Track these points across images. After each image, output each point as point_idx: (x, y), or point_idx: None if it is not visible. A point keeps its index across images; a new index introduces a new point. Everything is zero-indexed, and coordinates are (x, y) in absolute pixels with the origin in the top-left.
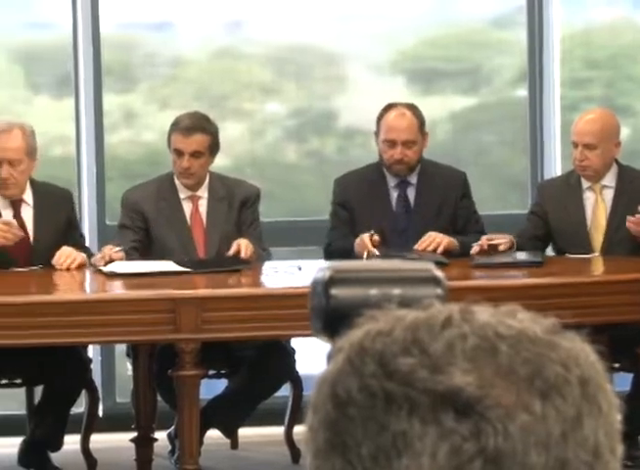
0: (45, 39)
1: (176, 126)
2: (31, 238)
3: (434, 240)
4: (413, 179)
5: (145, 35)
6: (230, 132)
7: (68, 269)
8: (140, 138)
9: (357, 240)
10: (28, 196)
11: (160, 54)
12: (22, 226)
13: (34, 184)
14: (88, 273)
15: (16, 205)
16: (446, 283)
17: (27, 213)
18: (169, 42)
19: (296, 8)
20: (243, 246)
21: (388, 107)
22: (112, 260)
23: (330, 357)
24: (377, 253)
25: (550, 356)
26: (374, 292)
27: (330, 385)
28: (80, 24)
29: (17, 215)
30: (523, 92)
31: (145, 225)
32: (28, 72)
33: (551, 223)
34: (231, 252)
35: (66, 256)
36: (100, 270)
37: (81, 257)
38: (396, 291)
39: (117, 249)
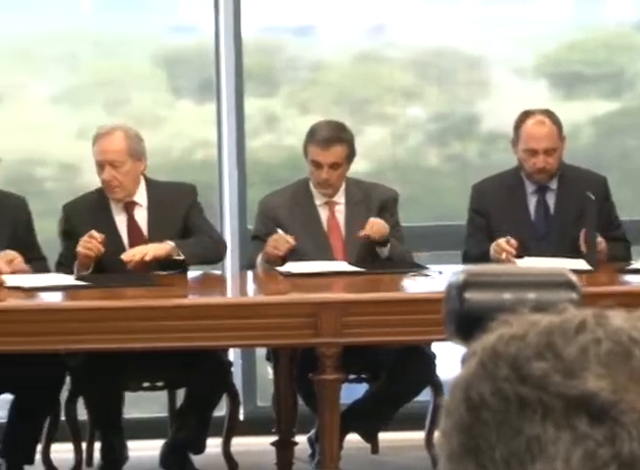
0: (188, 43)
1: (313, 138)
2: (146, 240)
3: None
4: (553, 185)
5: (286, 39)
6: (371, 137)
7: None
8: (281, 142)
9: (493, 245)
10: (141, 198)
11: (302, 58)
12: (137, 228)
13: (150, 185)
14: (229, 277)
15: (129, 207)
16: (581, 287)
17: (141, 215)
18: (311, 46)
19: (438, 12)
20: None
21: (525, 115)
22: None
23: (464, 361)
24: (514, 256)
25: None
26: (508, 296)
27: (463, 389)
28: (222, 29)
29: (130, 218)
30: None
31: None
32: (171, 77)
33: None
34: None
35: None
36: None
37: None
38: (531, 295)
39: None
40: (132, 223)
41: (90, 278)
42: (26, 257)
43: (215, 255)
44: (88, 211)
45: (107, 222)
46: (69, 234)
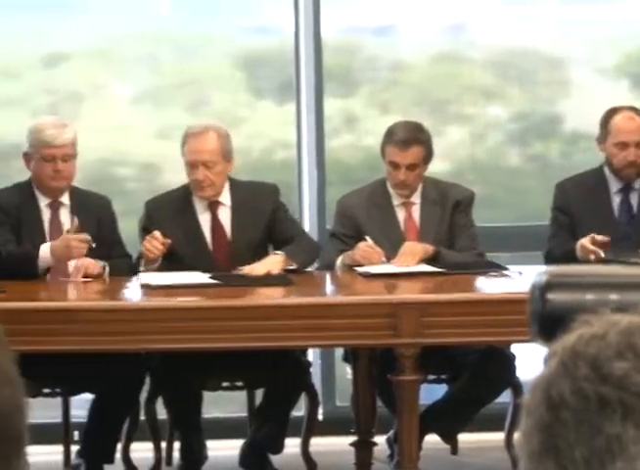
0: (268, 44)
1: (391, 139)
2: (230, 240)
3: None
4: (637, 184)
5: (366, 39)
6: (451, 137)
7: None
8: (360, 143)
9: (578, 247)
10: (226, 197)
11: (382, 58)
12: (220, 228)
13: (233, 185)
14: (329, 277)
15: (213, 207)
16: None
17: (225, 215)
18: (390, 46)
19: (518, 11)
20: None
21: (613, 111)
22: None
23: (545, 361)
24: (602, 254)
25: None
26: (590, 297)
27: (543, 388)
28: (302, 29)
29: (214, 217)
30: None
31: (356, 232)
32: (251, 77)
33: None
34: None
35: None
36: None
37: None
38: (613, 296)
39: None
40: (216, 223)
41: (222, 277)
42: (111, 254)
43: (315, 258)
44: (171, 209)
45: (190, 221)
46: (149, 231)
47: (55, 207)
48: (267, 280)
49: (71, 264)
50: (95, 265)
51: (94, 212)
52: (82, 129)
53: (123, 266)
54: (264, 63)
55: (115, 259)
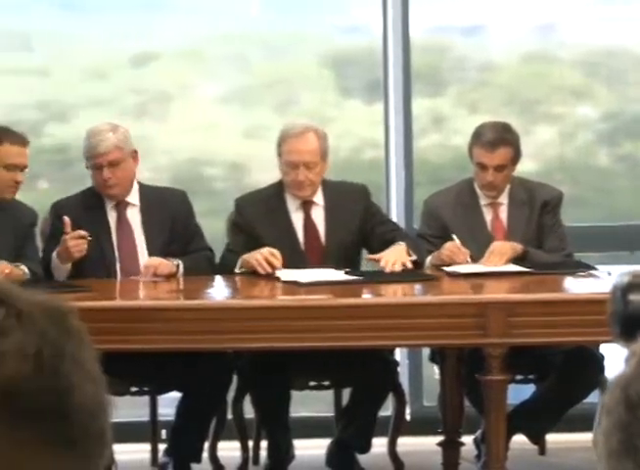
0: (356, 44)
1: (478, 140)
2: (323, 239)
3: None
4: None
5: (455, 39)
6: (540, 137)
7: None
8: (449, 142)
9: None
10: (319, 197)
11: (470, 58)
12: (313, 227)
13: (326, 185)
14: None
15: (306, 206)
16: None
17: (318, 214)
18: (480, 46)
19: (608, 11)
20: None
21: None
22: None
23: (626, 361)
24: None
25: None
26: None
27: (623, 388)
28: (390, 29)
29: (307, 217)
30: None
31: (443, 232)
32: (339, 77)
33: None
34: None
35: None
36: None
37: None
38: None
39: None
40: (309, 222)
41: (362, 273)
42: (188, 249)
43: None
44: (263, 207)
45: (283, 219)
46: (239, 227)
47: (121, 207)
48: (413, 276)
49: (142, 264)
50: (166, 265)
51: (167, 209)
52: (170, 129)
53: (202, 261)
54: (353, 62)
55: (194, 254)
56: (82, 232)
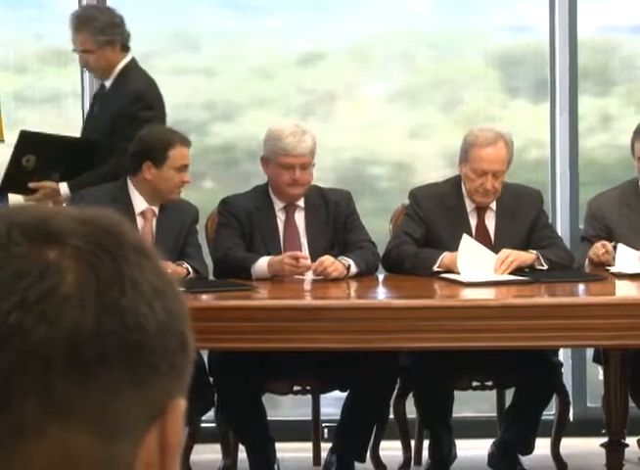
0: (523, 43)
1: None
2: (492, 243)
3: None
4: None
5: (624, 38)
6: None
7: None
8: (616, 142)
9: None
10: (493, 203)
11: (638, 56)
12: (485, 231)
13: (504, 188)
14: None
15: (480, 210)
16: None
17: (491, 218)
18: None
19: None
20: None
21: None
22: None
23: None
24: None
25: None
26: None
27: None
28: (558, 28)
29: (480, 221)
30: None
31: (607, 233)
32: (505, 76)
33: None
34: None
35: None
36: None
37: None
38: None
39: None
40: (481, 226)
41: (524, 273)
42: (349, 241)
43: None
44: (441, 204)
45: (461, 219)
46: (422, 218)
47: (290, 210)
48: (578, 276)
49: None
50: (338, 266)
51: (329, 211)
52: (335, 128)
53: (368, 255)
54: (519, 61)
55: (357, 250)
56: (299, 254)
